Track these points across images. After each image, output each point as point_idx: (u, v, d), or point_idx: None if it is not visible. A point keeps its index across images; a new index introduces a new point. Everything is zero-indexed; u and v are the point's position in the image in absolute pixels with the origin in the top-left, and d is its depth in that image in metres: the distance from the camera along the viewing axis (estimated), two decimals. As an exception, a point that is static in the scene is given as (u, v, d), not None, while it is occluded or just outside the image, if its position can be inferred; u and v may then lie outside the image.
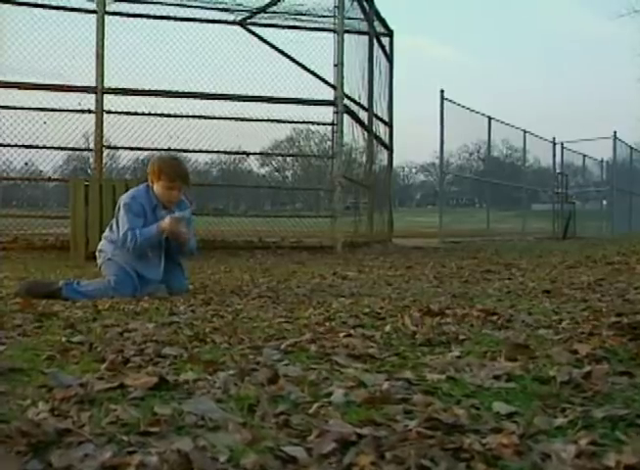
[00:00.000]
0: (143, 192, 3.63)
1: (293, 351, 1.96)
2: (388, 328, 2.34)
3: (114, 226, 3.59)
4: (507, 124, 15.17)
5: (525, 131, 16.05)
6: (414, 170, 59.52)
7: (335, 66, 8.75)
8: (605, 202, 21.99)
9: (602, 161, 20.48)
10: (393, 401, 1.45)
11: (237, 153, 9.80)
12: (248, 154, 9.88)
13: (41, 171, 9.13)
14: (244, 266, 6.01)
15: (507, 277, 4.70)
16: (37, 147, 8.12)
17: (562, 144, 18.14)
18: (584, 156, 19.61)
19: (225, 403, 1.44)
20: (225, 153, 9.76)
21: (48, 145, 8.27)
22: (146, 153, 13.51)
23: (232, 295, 3.51)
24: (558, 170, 17.97)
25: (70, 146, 8.65)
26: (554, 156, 17.83)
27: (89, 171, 18.80)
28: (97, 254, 3.61)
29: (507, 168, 21.11)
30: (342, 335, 2.20)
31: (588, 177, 21.79)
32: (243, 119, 8.91)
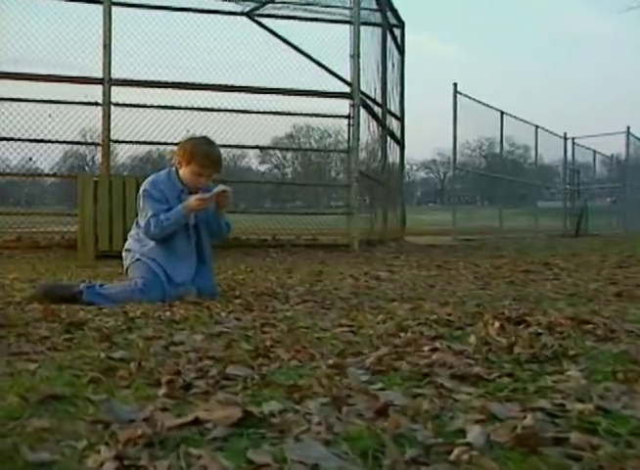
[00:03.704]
0: (164, 177, 3.31)
1: (381, 370, 1.66)
2: (472, 339, 2.04)
3: (140, 221, 3.27)
4: (520, 119, 14.86)
5: (537, 127, 15.74)
6: (415, 167, 59.19)
7: (351, 57, 8.43)
8: (611, 199, 21.74)
9: (612, 157, 20.21)
10: (547, 443, 1.15)
11: (249, 147, 9.46)
12: (261, 148, 9.57)
13: (38, 168, 8.75)
14: (263, 266, 5.70)
15: (553, 278, 4.41)
16: (42, 141, 7.77)
17: (573, 139, 17.85)
18: (594, 152, 19.31)
19: (336, 447, 1.14)
20: (237, 147, 9.41)
21: (52, 139, 7.91)
22: (145, 150, 13.20)
23: (270, 298, 3.21)
24: (569, 167, 17.69)
25: (75, 141, 8.29)
26: (565, 152, 17.54)
27: (86, 169, 18.50)
28: (123, 254, 3.29)
29: (514, 165, 20.80)
30: (426, 349, 1.90)
31: (595, 174, 21.48)
32: (256, 112, 8.57)
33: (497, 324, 2.24)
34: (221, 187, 3.26)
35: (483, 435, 1.18)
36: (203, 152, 3.23)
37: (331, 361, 1.75)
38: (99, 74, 7.61)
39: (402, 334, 2.13)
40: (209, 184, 3.37)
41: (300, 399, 1.41)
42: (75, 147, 11.80)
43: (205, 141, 3.36)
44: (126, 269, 3.26)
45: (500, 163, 15.49)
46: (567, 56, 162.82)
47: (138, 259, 3.18)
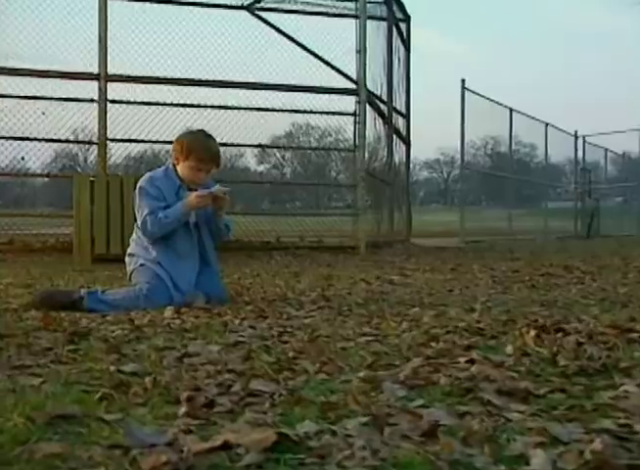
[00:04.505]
0: (160, 174, 3.23)
1: (418, 384, 1.57)
2: (509, 350, 1.95)
3: (137, 219, 3.18)
4: (529, 117, 14.75)
5: (547, 124, 15.65)
6: (417, 167, 59.01)
7: (357, 52, 8.34)
8: (623, 198, 21.65)
9: (624, 155, 20.11)
10: (623, 471, 1.06)
11: (252, 145, 9.37)
12: (264, 147, 9.47)
13: (29, 168, 8.62)
14: (269, 270, 5.61)
15: (576, 282, 4.32)
16: (35, 139, 7.67)
17: (584, 137, 17.75)
18: (606, 150, 19.21)
19: (386, 475, 1.05)
20: (239, 145, 9.32)
21: (45, 138, 7.80)
22: (140, 149, 13.07)
23: (283, 304, 3.11)
24: (580, 165, 17.59)
25: (70, 139, 8.19)
26: (576, 150, 17.44)
27: (78, 169, 18.40)
28: (126, 259, 3.19)
29: (520, 165, 20.70)
30: (462, 360, 1.81)
31: (606, 173, 21.39)
32: (258, 109, 8.48)
33: (533, 333, 2.15)
34: (220, 188, 3.17)
35: (549, 461, 1.09)
36: (201, 146, 3.16)
37: (361, 374, 1.66)
38: (94, 70, 7.52)
39: (433, 344, 2.04)
40: (209, 180, 3.30)
41: (337, 418, 1.32)
42: (68, 146, 11.72)
43: (203, 134, 3.29)
44: (130, 275, 3.16)
45: (508, 162, 15.40)
46: (576, 52, 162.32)
47: (142, 265, 3.08)
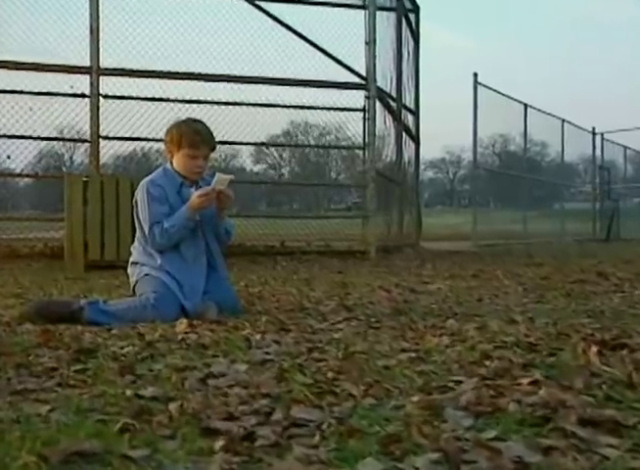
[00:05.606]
0: (161, 174, 3.17)
1: (484, 411, 1.44)
2: (574, 369, 1.82)
3: (144, 226, 3.05)
4: (544, 113, 14.63)
5: (563, 120, 15.53)
6: (422, 167, 58.82)
7: (366, 44, 8.22)
8: (637, 199, 21.55)
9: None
10: None
11: (254, 144, 9.24)
12: (267, 145, 9.33)
13: (13, 169, 8.45)
14: (277, 277, 5.47)
15: (613, 290, 4.20)
16: (22, 137, 7.52)
17: (602, 135, 17.62)
18: (625, 148, 19.07)
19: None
20: (239, 144, 9.17)
21: (33, 136, 7.66)
22: (130, 147, 12.90)
23: (303, 315, 2.99)
24: (598, 163, 17.47)
25: (60, 137, 8.05)
26: (594, 148, 17.32)
27: (64, 169, 18.22)
28: (129, 269, 3.06)
29: (531, 163, 20.53)
30: (524, 382, 1.68)
31: (626, 172, 21.27)
32: (261, 105, 8.35)
33: (594, 349, 2.02)
34: (221, 176, 3.07)
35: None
36: (190, 130, 3.12)
37: (415, 399, 1.53)
38: (85, 63, 7.38)
39: (487, 362, 1.91)
40: (207, 173, 3.22)
41: (402, 454, 1.19)
42: (54, 145, 11.58)
43: (190, 120, 3.28)
44: (133, 286, 3.03)
45: (520, 161, 15.28)
46: (591, 45, 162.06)
47: (147, 274, 2.96)
